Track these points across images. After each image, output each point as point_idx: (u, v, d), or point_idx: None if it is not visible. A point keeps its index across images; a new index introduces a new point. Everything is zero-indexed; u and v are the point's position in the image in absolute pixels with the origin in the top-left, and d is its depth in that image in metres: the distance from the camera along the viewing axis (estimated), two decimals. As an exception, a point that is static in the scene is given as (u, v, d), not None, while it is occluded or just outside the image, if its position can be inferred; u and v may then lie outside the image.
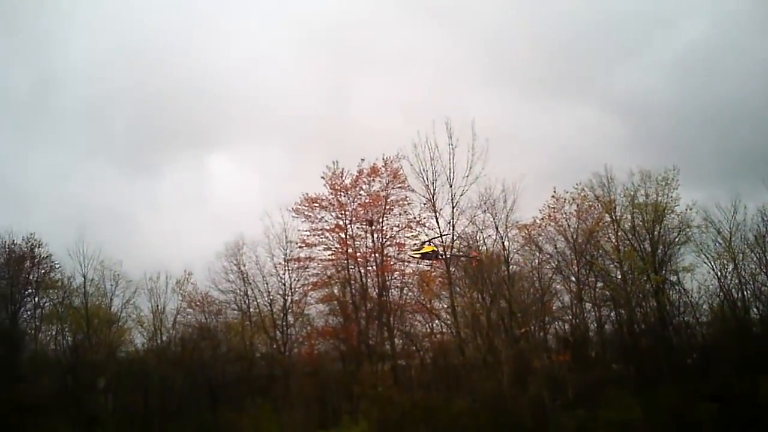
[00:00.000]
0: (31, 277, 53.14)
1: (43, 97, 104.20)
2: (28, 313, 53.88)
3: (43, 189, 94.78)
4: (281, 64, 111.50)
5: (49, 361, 53.65)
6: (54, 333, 55.78)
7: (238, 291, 54.31)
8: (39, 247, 52.74)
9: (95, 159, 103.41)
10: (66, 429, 44.83)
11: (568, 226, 48.83)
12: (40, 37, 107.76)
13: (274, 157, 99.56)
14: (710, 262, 46.54)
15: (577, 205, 49.02)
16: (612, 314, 49.38)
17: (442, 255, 41.60)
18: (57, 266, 53.84)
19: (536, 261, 49.90)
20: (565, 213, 49.27)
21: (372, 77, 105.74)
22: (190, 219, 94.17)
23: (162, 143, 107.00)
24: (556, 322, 50.86)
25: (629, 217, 47.36)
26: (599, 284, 48.76)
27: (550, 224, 49.48)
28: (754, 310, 46.66)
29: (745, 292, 46.20)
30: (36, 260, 52.93)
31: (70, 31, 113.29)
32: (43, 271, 53.61)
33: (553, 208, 49.55)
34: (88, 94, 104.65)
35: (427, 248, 35.79)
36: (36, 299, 53.93)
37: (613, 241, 47.89)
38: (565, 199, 49.25)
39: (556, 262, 48.99)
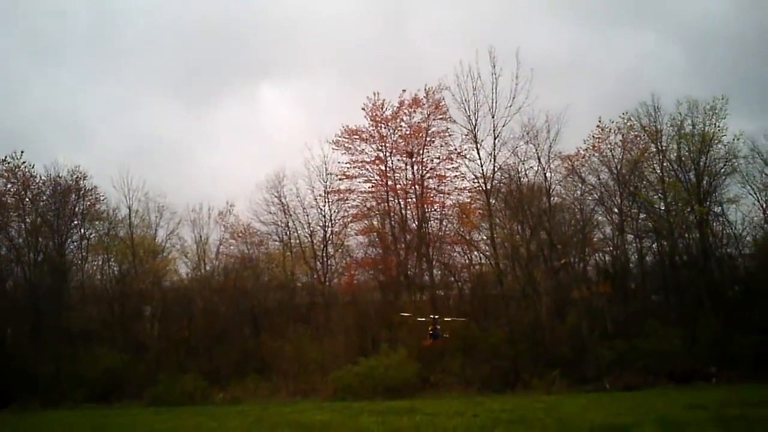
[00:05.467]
0: (77, 209, 53.97)
1: (103, 31, 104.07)
2: (75, 244, 54.87)
3: (102, 122, 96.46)
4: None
5: (96, 290, 55.03)
6: (100, 263, 57.25)
7: (279, 222, 54.99)
8: (84, 179, 53.45)
9: (153, 92, 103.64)
10: (114, 355, 46.08)
11: (613, 156, 48.20)
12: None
13: (323, 89, 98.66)
14: (756, 194, 45.95)
15: (623, 135, 48.29)
16: (654, 246, 49.01)
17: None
18: (102, 198, 54.73)
19: (578, 192, 49.68)
20: (610, 143, 48.61)
21: (429, 2, 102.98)
22: (240, 151, 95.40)
23: (217, 75, 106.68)
24: (597, 254, 50.88)
25: (675, 147, 46.62)
26: (642, 215, 48.22)
27: (594, 155, 48.85)
28: (799, 242, 45.88)
29: (790, 225, 45.34)
30: (81, 192, 53.69)
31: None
32: (88, 203, 54.42)
33: (598, 138, 48.83)
34: (147, 27, 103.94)
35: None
36: (82, 230, 54.86)
37: (658, 171, 47.25)
38: (610, 129, 48.54)
39: (599, 194, 48.52)
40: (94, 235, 55.78)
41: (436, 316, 36.18)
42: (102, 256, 56.36)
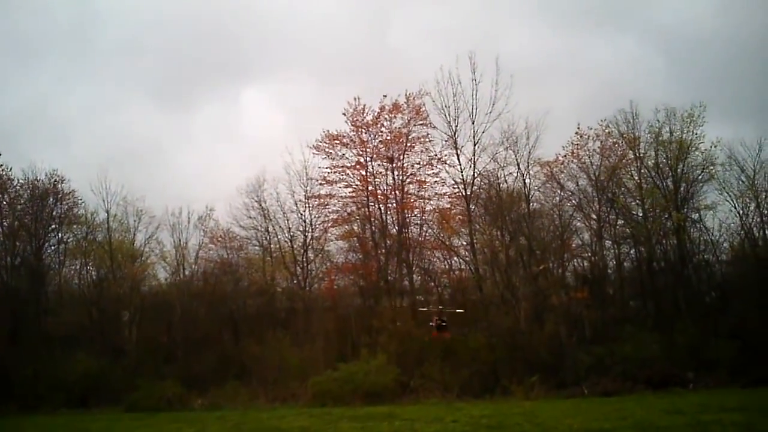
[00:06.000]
0: (54, 212, 53.57)
1: (83, 31, 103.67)
2: (52, 248, 54.46)
3: (80, 123, 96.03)
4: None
5: (73, 295, 54.71)
6: (78, 267, 56.85)
7: (259, 227, 54.71)
8: (62, 182, 53.12)
9: (134, 93, 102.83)
10: (92, 360, 45.77)
11: (591, 163, 48.38)
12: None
13: (305, 93, 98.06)
14: (732, 200, 46.19)
15: (601, 142, 48.46)
16: (631, 252, 49.42)
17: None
18: (80, 202, 54.37)
19: (557, 198, 49.92)
20: (589, 150, 48.75)
21: (412, 7, 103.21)
22: (220, 155, 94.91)
23: (198, 78, 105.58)
24: (575, 260, 51.22)
25: (653, 154, 46.83)
26: (620, 222, 48.52)
27: (572, 161, 49.09)
28: (775, 248, 46.43)
29: (766, 231, 45.90)
30: (59, 196, 53.34)
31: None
32: (66, 206, 54.02)
33: (577, 144, 49.06)
34: (127, 28, 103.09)
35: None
36: (60, 234, 54.52)
37: (636, 178, 47.49)
38: (588, 136, 48.68)
39: (577, 200, 48.80)
40: (71, 239, 55.38)
41: (441, 307, 35.91)
42: (80, 260, 56.04)
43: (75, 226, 54.98)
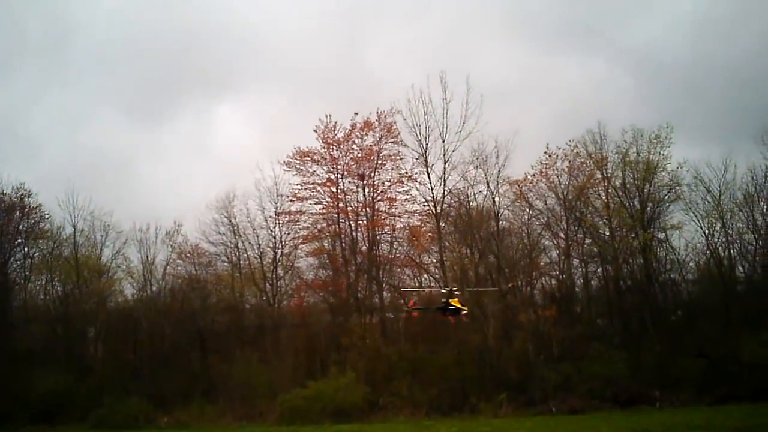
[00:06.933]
0: (20, 227, 53.09)
1: (53, 42, 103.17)
2: (18, 263, 54.01)
3: (50, 137, 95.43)
4: (294, 12, 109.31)
5: (39, 310, 53.96)
6: (44, 283, 56.10)
7: (228, 243, 54.44)
8: (28, 197, 52.72)
9: (105, 106, 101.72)
10: (57, 376, 45.16)
11: (559, 182, 48.90)
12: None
13: (276, 109, 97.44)
14: (698, 221, 46.71)
15: (569, 162, 48.88)
16: (599, 270, 49.63)
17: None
18: (47, 216, 53.83)
19: (526, 217, 50.29)
20: (557, 169, 49.18)
21: (385, 26, 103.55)
22: (190, 170, 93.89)
23: (169, 92, 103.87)
24: (544, 278, 51.56)
25: (620, 174, 47.26)
26: (587, 241, 48.96)
27: (541, 180, 49.44)
28: (740, 268, 47.45)
29: (731, 251, 46.70)
30: (25, 210, 52.82)
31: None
32: (32, 221, 53.56)
33: (546, 164, 49.39)
34: (101, 41, 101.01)
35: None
36: (26, 249, 54.07)
37: (603, 198, 47.88)
38: (557, 156, 49.07)
39: (546, 218, 49.24)
40: (37, 254, 54.90)
41: (455, 288, 34.92)
42: (46, 275, 55.27)
43: (41, 241, 54.40)
